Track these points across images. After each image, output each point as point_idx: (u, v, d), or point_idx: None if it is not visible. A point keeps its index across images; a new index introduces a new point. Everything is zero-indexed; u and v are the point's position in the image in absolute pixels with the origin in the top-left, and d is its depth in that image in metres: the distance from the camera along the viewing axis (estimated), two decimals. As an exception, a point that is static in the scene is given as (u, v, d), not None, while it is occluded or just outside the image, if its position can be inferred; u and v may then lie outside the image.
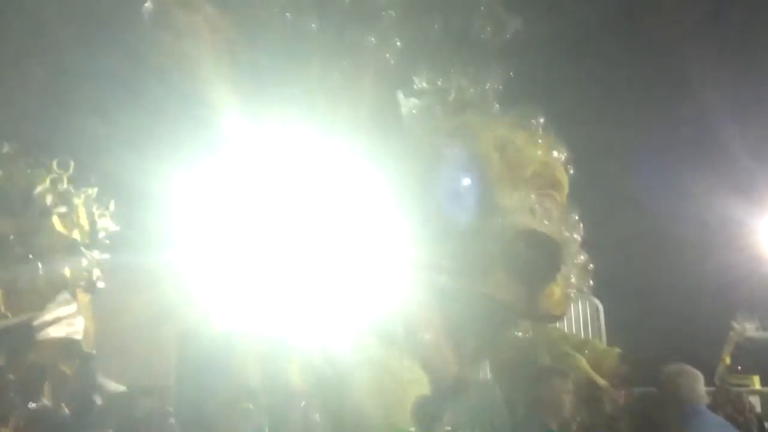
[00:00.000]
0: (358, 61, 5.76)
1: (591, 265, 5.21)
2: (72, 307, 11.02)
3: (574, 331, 17.80)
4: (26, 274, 11.56)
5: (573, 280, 5.01)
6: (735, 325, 13.63)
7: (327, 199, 7.52)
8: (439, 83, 5.58)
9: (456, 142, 4.96)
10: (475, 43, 5.49)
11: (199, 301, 9.59)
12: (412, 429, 4.13)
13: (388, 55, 4.77)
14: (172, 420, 14.40)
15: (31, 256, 11.59)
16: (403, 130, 5.28)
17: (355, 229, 7.32)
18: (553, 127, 5.38)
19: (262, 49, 5.34)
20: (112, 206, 13.45)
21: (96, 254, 12.76)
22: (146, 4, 6.80)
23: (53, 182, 12.44)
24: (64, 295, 11.05)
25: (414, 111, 5.56)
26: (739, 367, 13.40)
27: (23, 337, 10.06)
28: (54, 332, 10.55)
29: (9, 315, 10.50)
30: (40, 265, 11.61)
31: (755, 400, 10.05)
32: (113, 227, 13.35)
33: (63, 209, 12.23)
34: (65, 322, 10.81)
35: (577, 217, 5.29)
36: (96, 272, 12.63)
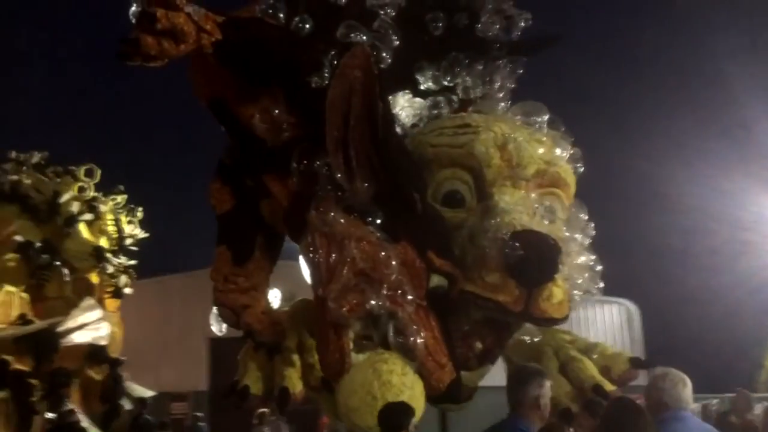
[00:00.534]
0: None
1: (599, 267, 4.99)
2: (97, 313, 11.08)
3: (606, 336, 17.25)
4: (53, 280, 11.79)
5: (580, 281, 4.82)
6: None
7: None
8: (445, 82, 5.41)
9: (456, 140, 4.83)
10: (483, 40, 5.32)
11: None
12: None
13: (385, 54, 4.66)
14: (203, 424, 14.60)
15: (57, 262, 11.79)
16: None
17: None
18: (571, 126, 5.19)
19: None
20: (140, 213, 13.65)
21: (123, 260, 12.94)
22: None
23: (80, 190, 12.67)
24: (89, 301, 11.11)
25: (419, 111, 5.42)
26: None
27: (48, 342, 10.15)
28: (79, 338, 10.58)
29: (35, 321, 10.62)
30: (66, 271, 11.88)
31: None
32: (141, 234, 13.53)
33: (90, 216, 12.39)
34: (90, 327, 10.87)
35: (586, 218, 5.10)
36: (123, 279, 12.79)
